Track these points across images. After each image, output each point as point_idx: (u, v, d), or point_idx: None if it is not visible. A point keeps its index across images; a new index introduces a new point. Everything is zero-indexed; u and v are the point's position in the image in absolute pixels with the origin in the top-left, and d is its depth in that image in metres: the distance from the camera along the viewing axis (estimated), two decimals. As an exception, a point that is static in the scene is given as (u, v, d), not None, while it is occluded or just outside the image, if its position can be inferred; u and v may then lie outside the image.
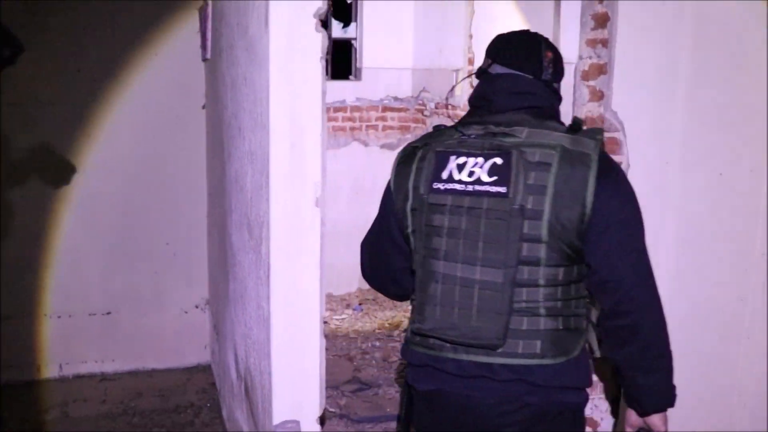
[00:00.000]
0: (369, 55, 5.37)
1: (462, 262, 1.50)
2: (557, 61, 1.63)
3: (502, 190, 1.47)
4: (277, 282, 1.90)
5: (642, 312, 1.53)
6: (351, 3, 5.43)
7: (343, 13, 5.78)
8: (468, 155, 1.51)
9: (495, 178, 1.48)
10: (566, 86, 1.94)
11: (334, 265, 5.43)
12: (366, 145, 5.47)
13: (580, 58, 2.24)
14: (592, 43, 2.21)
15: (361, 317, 5.07)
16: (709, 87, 2.21)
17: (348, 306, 5.28)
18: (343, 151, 5.42)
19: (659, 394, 1.59)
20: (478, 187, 1.49)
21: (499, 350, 1.50)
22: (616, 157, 2.18)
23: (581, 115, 2.25)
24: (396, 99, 5.45)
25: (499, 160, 1.48)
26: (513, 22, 3.99)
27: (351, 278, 5.51)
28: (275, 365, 1.89)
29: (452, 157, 1.53)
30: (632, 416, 1.66)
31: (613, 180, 1.51)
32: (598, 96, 2.22)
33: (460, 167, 1.52)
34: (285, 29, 1.78)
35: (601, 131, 1.53)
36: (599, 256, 1.50)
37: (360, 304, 5.28)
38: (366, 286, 5.61)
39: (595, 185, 1.45)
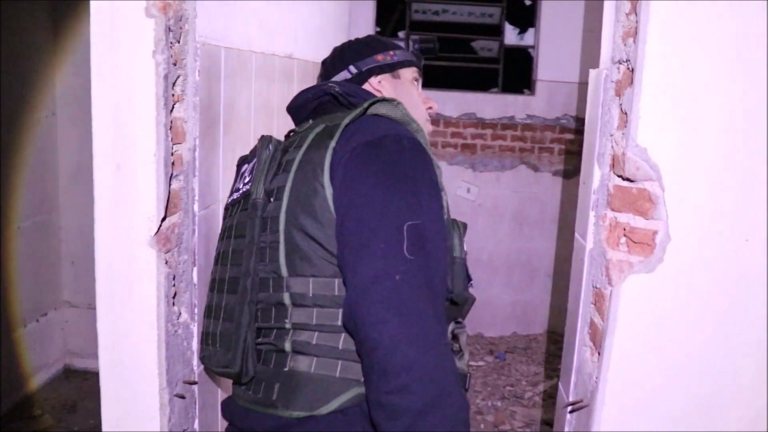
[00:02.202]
0: (546, 66, 4.61)
1: (221, 264, 1.40)
2: (353, 43, 1.61)
3: (248, 187, 1.35)
4: (103, 339, 1.47)
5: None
6: (530, 3, 4.71)
7: (520, 15, 5.07)
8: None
9: (248, 178, 1.38)
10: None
11: (489, 303, 4.80)
12: (536, 170, 4.73)
13: (612, 61, 1.45)
14: (627, 36, 1.42)
15: (500, 368, 4.35)
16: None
17: (491, 352, 4.58)
18: (508, 174, 4.75)
19: None
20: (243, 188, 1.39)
21: (243, 387, 1.30)
22: (648, 224, 1.37)
23: (608, 153, 1.46)
24: (577, 119, 4.62)
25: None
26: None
27: (507, 320, 4.82)
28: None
29: (245, 166, 1.46)
30: None
31: (367, 147, 1.20)
32: (626, 122, 1.41)
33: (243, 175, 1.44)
34: (107, 11, 1.34)
35: (383, 100, 1.30)
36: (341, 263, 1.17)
37: (506, 352, 4.56)
38: (525, 331, 4.91)
39: (331, 158, 1.21)
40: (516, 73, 4.91)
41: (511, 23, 5.13)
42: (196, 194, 1.55)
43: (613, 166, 1.44)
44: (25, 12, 3.54)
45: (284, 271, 1.22)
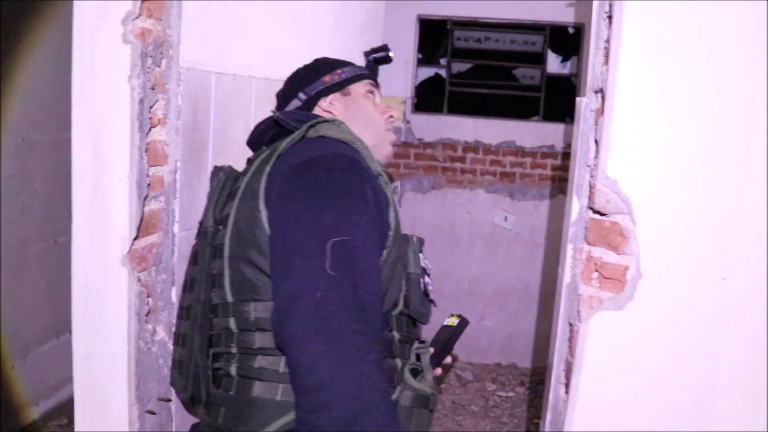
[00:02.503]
0: (588, 95, 4.53)
1: (186, 291, 1.42)
2: (300, 70, 1.62)
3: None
4: (77, 352, 1.50)
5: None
6: (574, 32, 4.65)
7: (563, 44, 5.00)
8: None
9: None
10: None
11: (524, 333, 4.71)
12: (576, 199, 4.62)
13: (592, 89, 1.42)
14: (603, 63, 1.38)
15: (531, 399, 4.25)
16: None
17: (523, 383, 4.48)
18: (546, 203, 4.66)
19: None
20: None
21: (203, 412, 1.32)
22: (620, 259, 1.32)
23: (585, 184, 1.42)
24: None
25: None
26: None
27: (543, 350, 4.70)
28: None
29: None
30: None
31: (299, 168, 1.22)
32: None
33: None
34: (88, 36, 1.39)
35: (324, 121, 1.35)
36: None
37: (537, 384, 4.45)
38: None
39: (266, 182, 1.24)
40: (558, 101, 4.84)
41: (554, 51, 5.07)
42: (176, 215, 1.58)
43: (589, 198, 1.40)
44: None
45: (230, 297, 1.24)
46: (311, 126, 1.31)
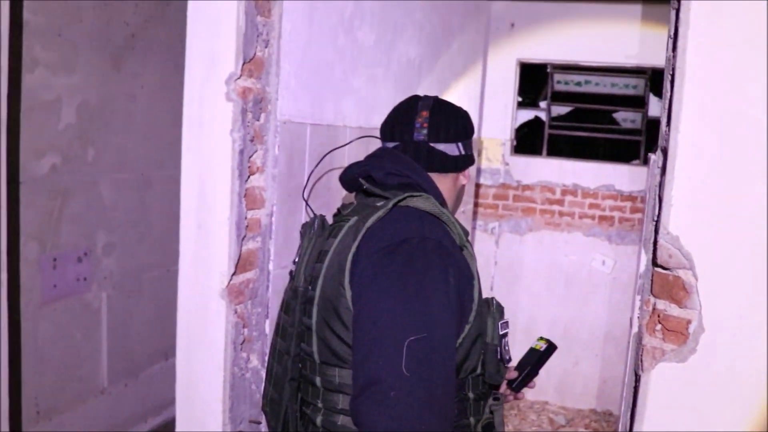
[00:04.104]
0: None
1: (278, 335, 1.45)
2: (441, 117, 1.45)
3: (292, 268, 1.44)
4: (180, 378, 1.68)
5: None
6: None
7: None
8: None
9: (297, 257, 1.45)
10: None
11: (615, 379, 4.60)
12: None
13: (660, 148, 1.48)
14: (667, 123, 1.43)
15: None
16: None
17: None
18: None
19: None
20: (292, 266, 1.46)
21: None
22: (682, 313, 1.36)
23: (651, 239, 1.47)
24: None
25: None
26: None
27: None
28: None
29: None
30: None
31: (383, 254, 1.24)
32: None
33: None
34: (197, 93, 1.59)
35: (416, 189, 1.36)
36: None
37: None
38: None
39: (352, 260, 1.26)
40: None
41: (656, 95, 5.00)
42: (271, 254, 1.74)
43: (654, 252, 1.44)
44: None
45: (317, 357, 1.33)
46: (400, 200, 1.32)
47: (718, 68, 1.29)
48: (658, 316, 1.40)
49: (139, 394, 3.80)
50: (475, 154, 1.59)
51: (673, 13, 1.38)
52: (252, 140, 1.62)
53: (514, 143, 5.02)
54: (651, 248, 1.45)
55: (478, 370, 1.39)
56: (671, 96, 1.34)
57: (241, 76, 1.55)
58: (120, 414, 3.69)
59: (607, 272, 4.69)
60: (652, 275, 1.44)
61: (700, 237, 1.32)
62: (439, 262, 1.25)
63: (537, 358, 1.59)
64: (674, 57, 1.34)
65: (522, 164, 4.94)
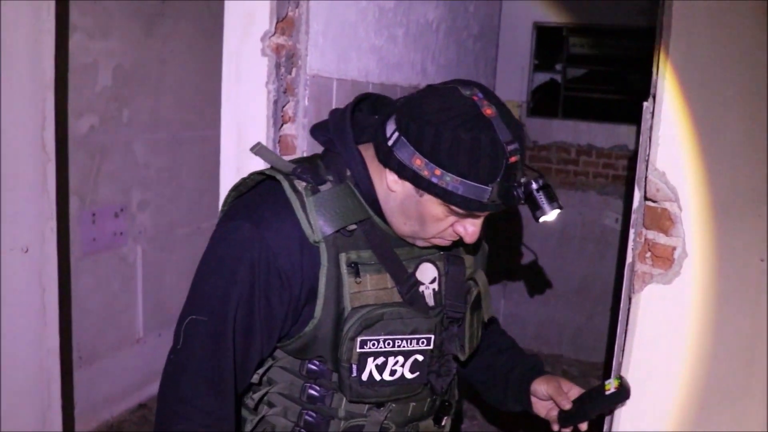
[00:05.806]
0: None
1: None
2: (430, 125, 1.15)
3: None
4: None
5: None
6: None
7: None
8: None
9: None
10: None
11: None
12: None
13: (651, 95, 1.63)
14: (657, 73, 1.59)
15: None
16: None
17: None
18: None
19: None
20: None
21: None
22: (668, 241, 1.53)
23: (643, 177, 1.63)
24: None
25: None
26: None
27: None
28: None
29: None
30: None
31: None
32: (655, 149, 1.58)
33: None
34: (234, 50, 1.76)
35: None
36: None
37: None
38: None
39: None
40: (672, 105, 4.87)
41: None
42: (301, 197, 1.92)
43: (645, 188, 1.61)
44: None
45: None
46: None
47: (697, 24, 1.44)
48: (648, 245, 1.57)
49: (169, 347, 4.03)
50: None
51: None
52: (285, 92, 1.79)
53: (531, 105, 5.15)
54: (643, 185, 1.62)
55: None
56: (659, 49, 1.50)
57: (275, 33, 1.72)
58: (155, 362, 3.91)
59: (619, 229, 4.84)
60: (644, 209, 1.61)
61: (684, 172, 1.49)
62: (230, 253, 1.28)
63: (600, 404, 1.48)
64: (662, 14, 1.49)
65: (538, 126, 5.07)
